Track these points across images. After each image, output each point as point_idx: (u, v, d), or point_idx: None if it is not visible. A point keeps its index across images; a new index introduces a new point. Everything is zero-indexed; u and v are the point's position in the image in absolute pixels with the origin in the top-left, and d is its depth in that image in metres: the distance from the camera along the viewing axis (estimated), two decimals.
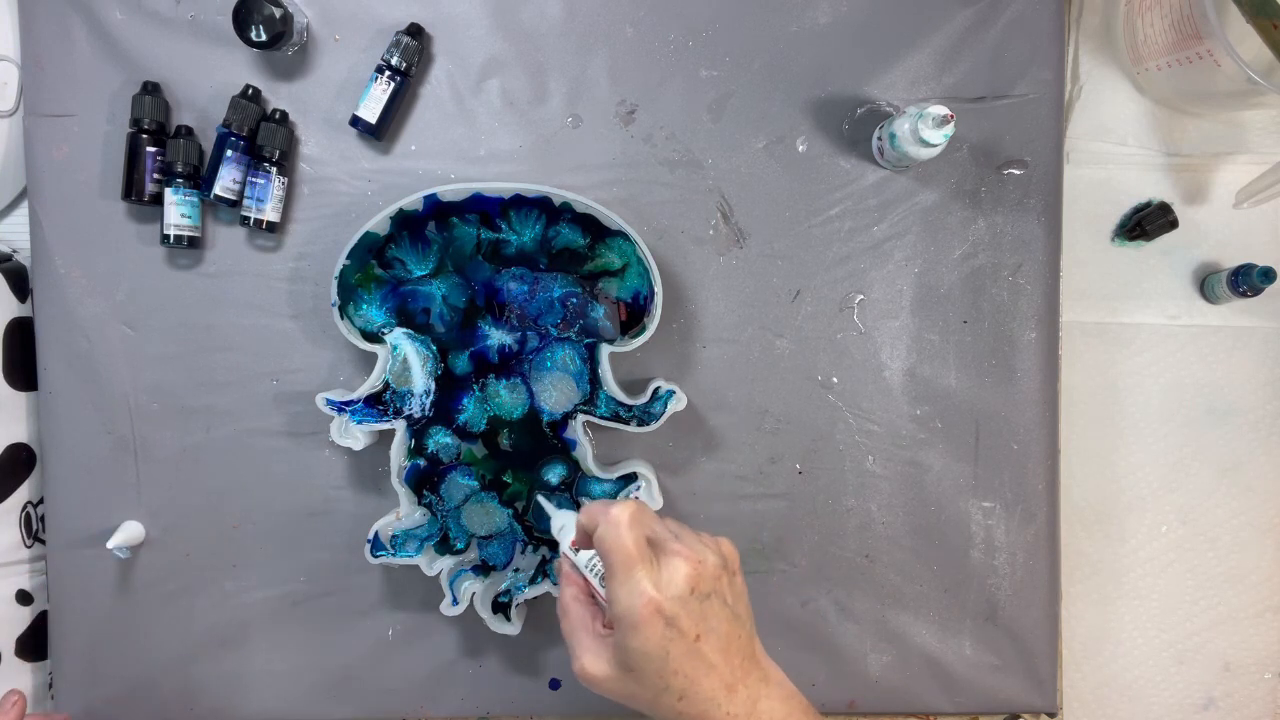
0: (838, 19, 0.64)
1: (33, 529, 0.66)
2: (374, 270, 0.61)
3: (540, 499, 0.59)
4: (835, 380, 0.65)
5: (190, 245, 0.62)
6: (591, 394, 0.61)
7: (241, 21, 0.58)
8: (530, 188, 0.59)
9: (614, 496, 0.62)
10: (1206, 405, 0.71)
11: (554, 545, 0.63)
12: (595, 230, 0.60)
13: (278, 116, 0.62)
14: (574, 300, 0.61)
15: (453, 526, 0.62)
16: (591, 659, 0.44)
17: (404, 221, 0.60)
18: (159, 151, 0.61)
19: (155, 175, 0.61)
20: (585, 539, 0.47)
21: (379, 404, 0.60)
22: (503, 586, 0.62)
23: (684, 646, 0.42)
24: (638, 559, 0.43)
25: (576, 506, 0.62)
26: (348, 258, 0.59)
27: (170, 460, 0.64)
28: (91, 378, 0.64)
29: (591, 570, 0.47)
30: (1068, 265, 0.66)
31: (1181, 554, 0.72)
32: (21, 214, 0.67)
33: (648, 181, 0.64)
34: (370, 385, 0.60)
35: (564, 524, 0.51)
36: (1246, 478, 0.71)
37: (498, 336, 0.61)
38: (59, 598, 0.65)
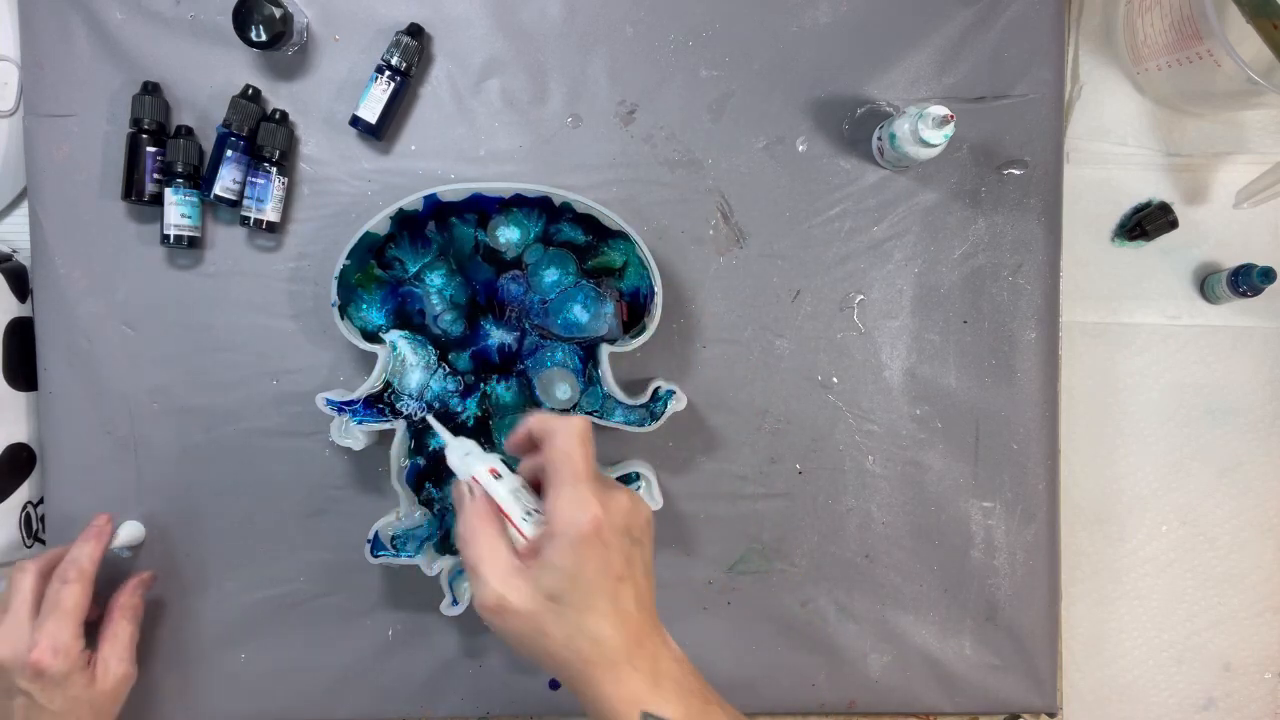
0: (838, 19, 0.64)
1: (33, 529, 0.66)
2: (374, 270, 0.61)
3: (430, 419, 0.52)
4: (835, 380, 0.65)
5: (190, 245, 0.62)
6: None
7: (241, 21, 0.58)
8: (530, 188, 0.59)
9: None
10: (1206, 405, 0.71)
11: None
12: (596, 230, 0.60)
13: (278, 116, 0.62)
14: None
15: (453, 526, 0.62)
16: (510, 589, 0.40)
17: (404, 221, 0.60)
18: (159, 151, 0.61)
19: (155, 175, 0.61)
20: (526, 446, 0.44)
21: (379, 404, 0.60)
22: None
23: (609, 584, 0.40)
24: (589, 474, 0.40)
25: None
26: (348, 258, 0.59)
27: (170, 460, 0.64)
28: (91, 378, 0.64)
29: (515, 496, 0.42)
30: (1068, 265, 0.66)
31: (1181, 554, 0.72)
32: (21, 214, 0.67)
33: (648, 181, 0.64)
34: (370, 385, 0.60)
35: (468, 450, 0.45)
36: (1246, 478, 0.71)
37: (499, 336, 0.62)
38: None
